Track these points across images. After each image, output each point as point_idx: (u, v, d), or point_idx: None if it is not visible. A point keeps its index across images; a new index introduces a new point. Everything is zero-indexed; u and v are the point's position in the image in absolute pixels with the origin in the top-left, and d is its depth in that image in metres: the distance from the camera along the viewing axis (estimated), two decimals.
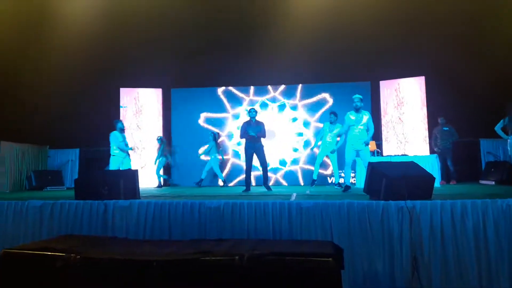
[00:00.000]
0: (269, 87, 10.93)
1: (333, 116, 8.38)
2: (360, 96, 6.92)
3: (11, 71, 10.28)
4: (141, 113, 10.86)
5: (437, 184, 7.88)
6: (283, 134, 10.70)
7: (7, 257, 2.98)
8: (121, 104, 10.82)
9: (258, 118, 7.66)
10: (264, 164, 7.37)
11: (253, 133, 7.19)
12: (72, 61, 10.29)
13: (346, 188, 6.85)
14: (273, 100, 10.90)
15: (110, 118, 10.61)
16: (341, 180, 8.39)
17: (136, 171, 5.63)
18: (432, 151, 9.33)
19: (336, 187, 8.21)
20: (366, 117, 6.83)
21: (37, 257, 2.91)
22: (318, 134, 8.69)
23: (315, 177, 8.50)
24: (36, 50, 10.23)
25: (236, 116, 10.92)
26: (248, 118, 7.59)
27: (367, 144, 6.82)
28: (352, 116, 6.84)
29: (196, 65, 10.72)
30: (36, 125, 10.62)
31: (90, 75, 10.65)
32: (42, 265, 2.88)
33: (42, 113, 10.55)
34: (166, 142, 10.49)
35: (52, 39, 10.13)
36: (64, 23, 10.04)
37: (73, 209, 4.84)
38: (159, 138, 10.34)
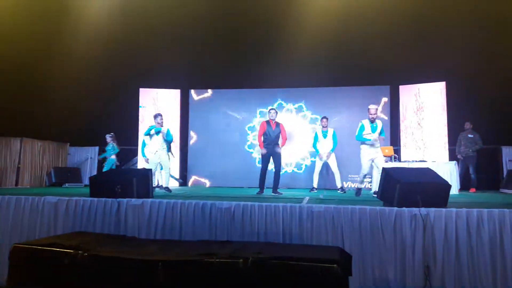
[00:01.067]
0: (287, 89, 10.90)
1: (325, 121, 8.38)
2: (377, 107, 6.97)
3: (34, 70, 10.56)
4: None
5: (455, 191, 7.74)
6: (300, 137, 10.66)
7: (18, 251, 3.04)
8: (140, 104, 10.96)
9: (277, 119, 7.48)
10: (278, 169, 7.27)
11: (271, 144, 7.15)
12: (93, 62, 10.53)
13: (359, 191, 7.00)
14: (290, 102, 10.86)
15: (129, 118, 10.82)
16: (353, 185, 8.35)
17: (150, 170, 5.68)
18: (452, 158, 9.15)
19: (338, 191, 8.23)
20: (380, 124, 6.90)
21: (45, 252, 2.96)
22: (313, 143, 8.68)
23: (315, 185, 8.45)
24: (58, 50, 10.49)
25: (252, 118, 10.94)
26: (267, 118, 7.41)
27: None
28: (366, 124, 6.87)
29: (214, 67, 10.81)
30: (57, 123, 10.88)
31: (111, 75, 10.88)
32: (50, 261, 2.93)
33: (63, 111, 10.80)
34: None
35: (74, 40, 10.37)
36: (85, 24, 10.24)
37: (87, 207, 4.92)
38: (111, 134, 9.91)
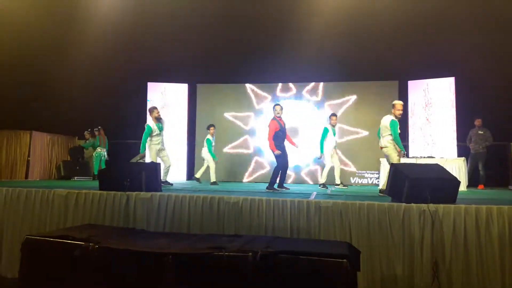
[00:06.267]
0: (294, 84, 10.89)
1: (334, 118, 8.31)
2: (402, 103, 6.35)
3: (44, 65, 10.63)
4: (167, 107, 11.00)
5: (463, 188, 7.69)
6: (306, 132, 10.64)
7: (30, 243, 3.09)
8: (148, 98, 11.00)
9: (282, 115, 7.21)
10: (287, 165, 7.19)
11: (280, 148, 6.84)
12: (102, 56, 10.57)
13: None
14: (298, 98, 10.84)
15: (138, 112, 10.87)
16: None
17: (159, 164, 5.71)
18: (460, 154, 9.09)
19: (338, 187, 8.26)
20: None
21: (57, 244, 3.01)
22: (322, 138, 8.34)
23: (323, 181, 8.21)
24: (69, 45, 10.53)
25: (259, 113, 10.95)
26: (274, 115, 7.04)
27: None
28: (396, 120, 6.17)
29: (221, 61, 10.81)
30: (65, 117, 10.96)
31: (120, 69, 10.92)
32: (62, 252, 2.97)
33: (72, 105, 10.87)
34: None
35: (83, 35, 10.41)
36: (95, 19, 10.27)
37: (96, 200, 4.97)
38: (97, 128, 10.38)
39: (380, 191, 6.50)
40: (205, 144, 9.00)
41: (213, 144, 9.11)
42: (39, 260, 3.03)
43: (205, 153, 8.94)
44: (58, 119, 10.90)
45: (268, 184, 6.89)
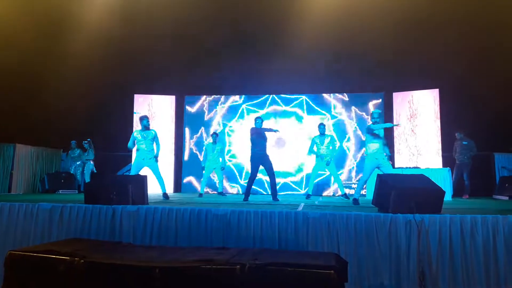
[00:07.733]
0: (281, 96, 10.94)
1: (322, 128, 8.35)
2: (379, 111, 6.69)
3: (28, 76, 10.52)
4: (154, 119, 10.95)
5: (448, 197, 7.79)
6: (292, 143, 10.68)
7: (13, 258, 3.02)
8: (134, 110, 10.95)
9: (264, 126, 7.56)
10: (272, 173, 7.18)
11: (261, 150, 7.20)
12: (88, 68, 10.51)
13: (355, 201, 6.35)
14: (284, 109, 10.90)
15: (124, 124, 10.80)
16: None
17: (145, 176, 5.66)
18: (445, 164, 9.22)
19: (342, 197, 8.15)
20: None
21: (41, 259, 2.95)
22: (310, 147, 8.46)
23: (310, 192, 8.28)
24: (54, 56, 10.44)
25: (246, 124, 10.97)
26: (254, 126, 7.39)
27: (389, 157, 6.61)
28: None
29: (209, 73, 10.83)
30: (50, 129, 10.83)
31: (106, 81, 10.86)
32: (46, 267, 2.92)
33: (56, 117, 10.76)
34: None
35: (70, 46, 10.34)
36: (81, 30, 10.22)
37: (82, 213, 4.89)
38: (86, 141, 10.53)
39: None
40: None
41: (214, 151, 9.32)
42: (23, 276, 2.97)
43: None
44: (43, 132, 10.77)
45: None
